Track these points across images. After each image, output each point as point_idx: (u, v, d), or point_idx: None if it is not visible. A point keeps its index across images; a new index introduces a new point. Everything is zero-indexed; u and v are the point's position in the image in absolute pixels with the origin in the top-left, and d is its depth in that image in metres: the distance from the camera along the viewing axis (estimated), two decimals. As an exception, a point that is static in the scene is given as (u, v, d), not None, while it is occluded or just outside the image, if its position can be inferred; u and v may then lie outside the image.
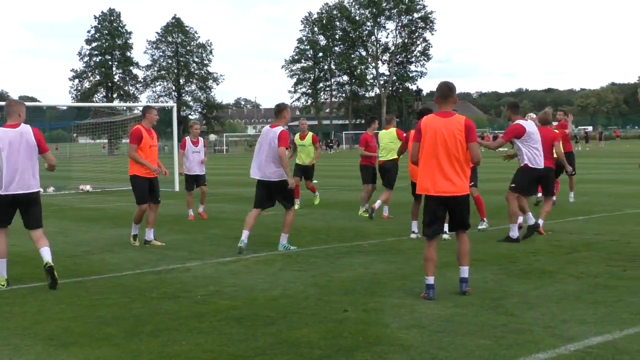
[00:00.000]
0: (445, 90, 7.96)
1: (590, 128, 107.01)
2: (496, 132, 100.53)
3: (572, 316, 6.67)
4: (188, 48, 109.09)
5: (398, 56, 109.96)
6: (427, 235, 7.90)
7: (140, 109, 14.96)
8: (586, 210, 15.38)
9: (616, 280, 8.23)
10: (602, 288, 7.86)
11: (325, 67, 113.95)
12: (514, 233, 11.37)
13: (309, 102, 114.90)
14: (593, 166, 34.94)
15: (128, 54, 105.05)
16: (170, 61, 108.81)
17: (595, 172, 30.30)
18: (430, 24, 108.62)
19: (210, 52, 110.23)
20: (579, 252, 10.22)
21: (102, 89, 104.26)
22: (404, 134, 13.68)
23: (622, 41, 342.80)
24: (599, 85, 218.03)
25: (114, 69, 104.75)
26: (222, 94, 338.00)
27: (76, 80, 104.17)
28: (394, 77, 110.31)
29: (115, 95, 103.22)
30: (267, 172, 10.87)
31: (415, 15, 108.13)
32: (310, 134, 18.23)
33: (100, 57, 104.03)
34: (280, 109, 11.22)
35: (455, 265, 9.40)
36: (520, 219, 11.77)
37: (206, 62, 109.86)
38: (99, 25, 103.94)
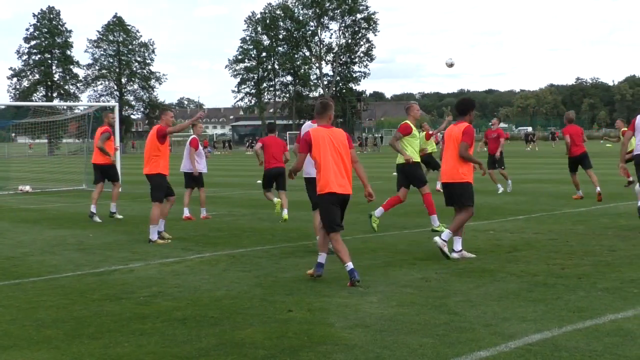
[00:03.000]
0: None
1: (529, 128, 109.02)
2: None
3: (513, 314, 6.78)
4: (130, 47, 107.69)
5: (342, 56, 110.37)
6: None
7: (81, 108, 15.13)
8: (526, 210, 15.65)
9: (555, 279, 8.39)
10: (541, 286, 8.01)
11: (269, 67, 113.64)
12: None
13: (253, 102, 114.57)
14: (532, 166, 35.57)
15: (68, 52, 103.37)
16: (111, 60, 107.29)
17: (535, 172, 30.85)
18: (374, 25, 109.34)
19: (153, 52, 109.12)
20: (519, 251, 10.39)
21: (41, 88, 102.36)
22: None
23: (560, 44, 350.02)
24: (538, 86, 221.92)
25: (53, 67, 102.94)
26: (165, 94, 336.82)
27: (15, 79, 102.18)
28: (338, 78, 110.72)
29: (55, 95, 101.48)
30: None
31: (359, 15, 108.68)
32: None
33: (39, 56, 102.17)
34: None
35: (398, 264, 9.51)
36: None
37: (148, 61, 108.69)
38: (38, 24, 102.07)
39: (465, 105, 10.34)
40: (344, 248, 8.45)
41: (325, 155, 8.56)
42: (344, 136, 8.77)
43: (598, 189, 17.06)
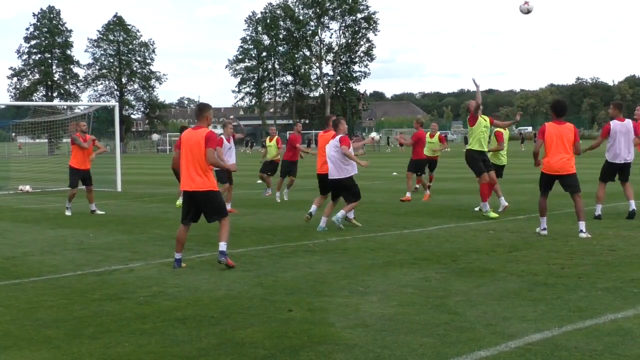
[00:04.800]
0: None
1: (530, 128, 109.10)
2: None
3: (513, 314, 6.78)
4: (130, 47, 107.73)
5: (342, 56, 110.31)
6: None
7: (82, 108, 15.19)
8: (526, 210, 15.66)
9: (555, 278, 8.39)
10: (541, 286, 8.01)
11: (269, 66, 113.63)
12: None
13: (253, 101, 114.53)
14: (530, 166, 35.49)
15: (68, 52, 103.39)
16: (112, 60, 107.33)
17: (534, 172, 30.79)
18: (374, 25, 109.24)
19: (153, 51, 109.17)
20: (520, 251, 10.39)
21: (41, 88, 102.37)
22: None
23: (561, 43, 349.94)
24: (538, 86, 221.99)
25: (54, 67, 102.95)
26: (165, 93, 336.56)
27: (15, 79, 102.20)
28: (338, 77, 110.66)
29: (55, 94, 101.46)
30: (339, 170, 12.90)
31: (359, 15, 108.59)
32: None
33: (39, 55, 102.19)
34: (335, 122, 13.24)
35: (398, 264, 9.50)
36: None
37: (149, 61, 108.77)
38: (38, 23, 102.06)
39: (563, 107, 12.19)
40: (181, 238, 9.89)
41: (183, 155, 9.67)
42: (202, 137, 9.54)
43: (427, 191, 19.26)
